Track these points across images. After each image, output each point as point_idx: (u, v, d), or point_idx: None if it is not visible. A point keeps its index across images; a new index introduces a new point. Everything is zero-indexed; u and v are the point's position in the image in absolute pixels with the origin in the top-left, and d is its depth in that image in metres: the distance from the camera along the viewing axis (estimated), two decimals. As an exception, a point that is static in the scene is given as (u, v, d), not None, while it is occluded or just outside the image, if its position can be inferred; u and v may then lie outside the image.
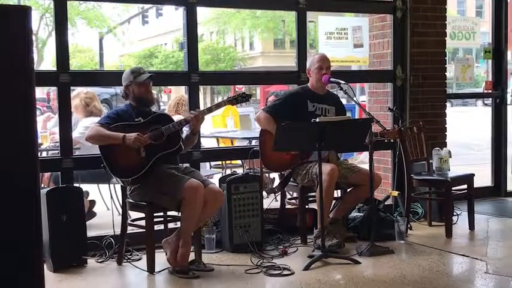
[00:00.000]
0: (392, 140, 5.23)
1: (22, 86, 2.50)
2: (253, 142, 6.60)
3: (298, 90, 5.12)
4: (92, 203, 5.75)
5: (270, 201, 5.45)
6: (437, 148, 5.35)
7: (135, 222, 4.48)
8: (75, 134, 5.67)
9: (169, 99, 12.48)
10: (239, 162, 7.64)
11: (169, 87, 18.40)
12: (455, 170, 5.47)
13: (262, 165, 5.01)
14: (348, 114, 5.42)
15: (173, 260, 4.20)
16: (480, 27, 7.84)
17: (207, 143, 7.76)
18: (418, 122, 5.46)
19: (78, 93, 5.83)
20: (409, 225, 5.24)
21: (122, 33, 29.94)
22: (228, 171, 7.19)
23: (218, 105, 4.58)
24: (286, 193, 5.40)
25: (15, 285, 2.44)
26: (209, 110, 4.53)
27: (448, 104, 6.34)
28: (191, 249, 4.28)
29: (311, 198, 5.02)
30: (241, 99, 4.53)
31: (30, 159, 2.51)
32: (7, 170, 2.42)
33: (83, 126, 5.66)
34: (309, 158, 4.82)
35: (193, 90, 5.13)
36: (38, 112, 14.88)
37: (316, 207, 4.85)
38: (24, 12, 2.51)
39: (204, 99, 35.31)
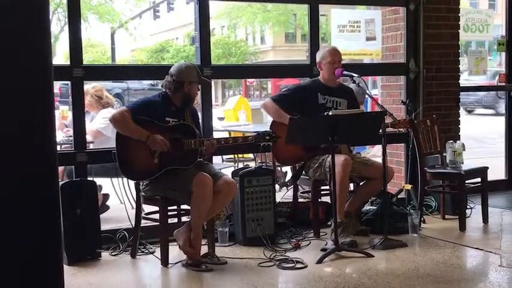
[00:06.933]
0: (403, 130, 5.20)
1: (41, 83, 2.49)
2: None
3: (309, 83, 5.12)
4: (106, 196, 5.78)
5: (283, 195, 5.45)
6: (450, 141, 5.32)
7: (149, 216, 4.50)
8: (96, 126, 5.68)
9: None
10: (251, 155, 7.65)
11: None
12: (468, 163, 5.44)
13: (274, 159, 5.01)
14: (361, 107, 5.40)
15: (187, 247, 4.19)
16: (493, 20, 7.77)
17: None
18: (431, 114, 5.43)
19: (87, 90, 5.65)
20: (422, 219, 5.22)
21: (133, 28, 29.95)
22: (241, 165, 7.19)
23: (244, 139, 4.55)
24: (299, 186, 5.40)
25: (35, 277, 2.46)
26: (235, 140, 4.51)
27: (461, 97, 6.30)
28: (204, 243, 4.30)
29: (324, 192, 5.02)
30: (270, 138, 4.45)
31: (50, 157, 2.51)
32: (28, 168, 2.42)
33: (102, 117, 5.67)
34: (322, 148, 4.80)
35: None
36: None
37: (329, 201, 4.85)
38: (42, 5, 2.50)
39: (216, 93, 35.33)
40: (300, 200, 5.29)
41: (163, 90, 4.41)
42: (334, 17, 6.04)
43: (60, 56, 26.47)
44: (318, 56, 5.02)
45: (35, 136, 2.44)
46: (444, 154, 5.36)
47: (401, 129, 5.07)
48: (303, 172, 4.99)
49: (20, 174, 2.40)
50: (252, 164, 7.06)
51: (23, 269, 2.43)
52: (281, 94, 5.17)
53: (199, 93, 5.09)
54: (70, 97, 4.82)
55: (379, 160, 4.83)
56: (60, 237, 2.64)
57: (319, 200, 5.07)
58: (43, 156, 2.46)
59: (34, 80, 2.45)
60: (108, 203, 5.79)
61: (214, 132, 5.38)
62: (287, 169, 6.78)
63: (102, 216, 4.80)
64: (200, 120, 4.80)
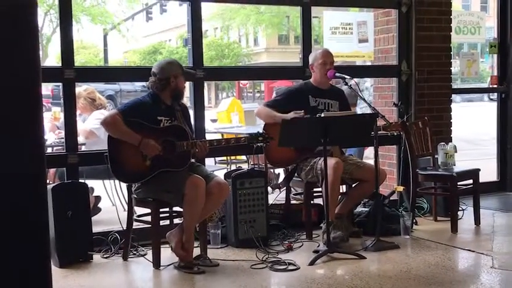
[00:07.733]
0: (395, 133, 5.23)
1: (29, 84, 2.48)
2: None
3: (300, 86, 5.13)
4: (97, 198, 5.76)
5: (275, 197, 5.45)
6: (442, 143, 5.33)
7: (140, 218, 4.49)
8: (89, 126, 5.66)
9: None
10: (244, 157, 7.65)
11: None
12: (460, 165, 5.46)
13: (266, 161, 5.01)
14: (353, 109, 5.41)
15: (179, 249, 4.19)
16: (485, 22, 7.80)
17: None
18: (423, 117, 5.44)
19: (79, 93, 5.63)
20: (414, 220, 5.23)
21: (126, 30, 29.91)
22: (233, 167, 7.19)
23: (237, 140, 4.52)
24: (292, 188, 5.40)
25: (24, 281, 2.45)
26: (227, 142, 4.49)
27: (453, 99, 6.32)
28: (196, 245, 4.29)
29: (316, 194, 5.02)
30: (263, 139, 4.46)
31: (38, 159, 2.50)
32: (15, 169, 2.41)
33: (95, 118, 5.65)
34: (314, 152, 4.81)
35: (198, 86, 5.13)
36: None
37: (321, 203, 4.85)
38: (30, 7, 2.49)
39: (209, 95, 35.32)
40: (293, 202, 5.30)
41: (151, 90, 4.40)
42: (326, 19, 6.04)
43: (53, 57, 26.41)
44: (310, 58, 5.03)
45: (22, 137, 2.43)
46: (436, 156, 5.37)
47: (394, 132, 5.08)
48: (295, 174, 5.00)
49: (8, 175, 2.39)
50: (245, 166, 7.06)
51: (11, 270, 2.42)
52: (274, 100, 5.22)
53: (193, 94, 5.10)
54: (61, 99, 4.81)
55: (372, 162, 4.84)
56: (48, 238, 2.63)
57: (312, 202, 5.08)
58: (31, 157, 2.45)
59: (22, 80, 2.45)
60: (99, 205, 5.77)
61: (206, 134, 5.38)
62: (280, 171, 6.78)
63: (93, 218, 4.78)
64: (192, 120, 4.79)
